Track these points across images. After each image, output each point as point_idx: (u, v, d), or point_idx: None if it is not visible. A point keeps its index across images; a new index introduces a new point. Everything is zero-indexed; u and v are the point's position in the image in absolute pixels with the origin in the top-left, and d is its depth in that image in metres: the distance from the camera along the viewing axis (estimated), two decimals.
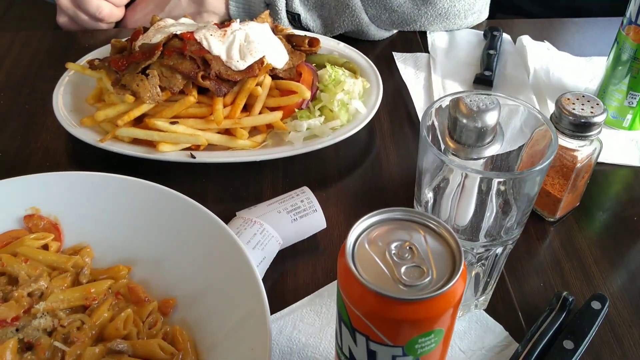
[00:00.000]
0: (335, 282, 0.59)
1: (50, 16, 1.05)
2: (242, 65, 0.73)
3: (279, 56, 0.77)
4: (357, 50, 0.86)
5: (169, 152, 0.70)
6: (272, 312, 0.49)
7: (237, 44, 0.74)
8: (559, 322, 0.54)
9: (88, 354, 0.49)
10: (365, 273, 0.35)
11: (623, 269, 0.61)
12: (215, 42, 0.73)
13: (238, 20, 0.78)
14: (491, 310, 0.57)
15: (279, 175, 0.72)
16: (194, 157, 0.69)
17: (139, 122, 0.71)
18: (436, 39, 0.96)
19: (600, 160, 0.65)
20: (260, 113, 0.73)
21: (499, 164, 0.53)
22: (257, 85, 0.73)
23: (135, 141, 0.71)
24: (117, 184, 0.61)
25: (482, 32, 0.98)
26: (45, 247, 0.58)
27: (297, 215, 0.61)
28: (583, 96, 0.60)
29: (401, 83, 0.88)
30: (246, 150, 0.71)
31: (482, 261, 0.52)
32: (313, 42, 0.84)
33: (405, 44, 0.96)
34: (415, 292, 0.35)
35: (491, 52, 0.90)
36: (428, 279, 0.35)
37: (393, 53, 0.93)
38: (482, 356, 0.53)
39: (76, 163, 0.74)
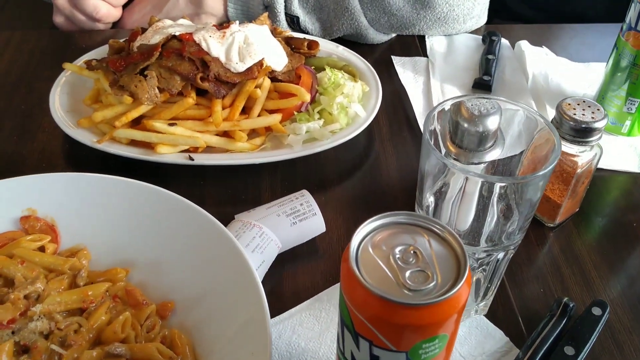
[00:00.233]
0: (334, 286, 0.59)
1: (46, 16, 1.04)
2: (241, 67, 0.72)
3: (278, 58, 0.76)
4: (356, 54, 0.86)
5: (167, 154, 0.69)
6: (271, 317, 0.49)
7: (237, 45, 0.73)
8: (559, 328, 0.54)
9: (85, 357, 0.48)
10: (369, 277, 0.35)
11: (623, 275, 0.61)
12: (214, 44, 0.72)
13: (237, 21, 0.77)
14: (491, 315, 0.57)
15: (278, 179, 0.71)
16: (192, 160, 0.69)
17: (136, 123, 0.71)
18: (435, 43, 0.96)
19: (599, 166, 0.65)
20: (259, 115, 0.73)
21: (500, 169, 0.53)
22: (256, 87, 0.73)
23: (133, 143, 0.70)
24: (115, 185, 0.60)
25: (481, 37, 0.98)
26: (42, 249, 0.58)
27: (297, 219, 0.60)
28: (584, 101, 0.60)
29: (400, 87, 0.87)
30: (245, 153, 0.71)
31: (484, 266, 0.52)
32: (312, 44, 0.83)
33: (404, 48, 0.96)
34: (420, 297, 0.34)
35: (490, 57, 0.90)
36: (433, 283, 0.35)
37: (392, 57, 0.93)
38: None
39: (73, 164, 0.74)
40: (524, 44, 0.95)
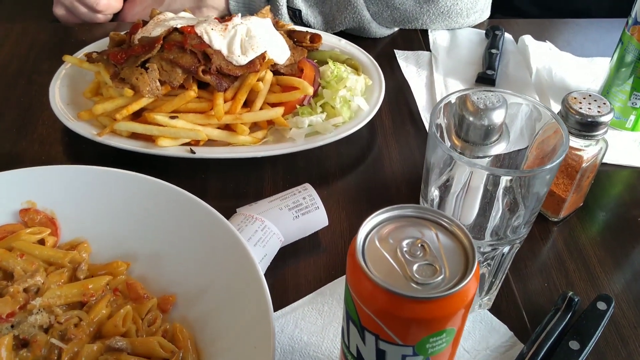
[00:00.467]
0: (337, 280, 0.58)
1: (46, 8, 1.03)
2: (243, 60, 0.72)
3: (280, 52, 0.76)
4: (359, 47, 0.85)
5: (168, 147, 0.68)
6: (273, 310, 0.48)
7: (239, 38, 0.73)
8: (564, 322, 0.53)
9: (86, 351, 0.47)
10: (376, 270, 0.35)
11: (627, 270, 0.61)
12: (216, 36, 0.72)
13: (239, 14, 0.77)
14: (495, 310, 0.56)
15: (280, 172, 0.71)
16: (194, 153, 0.68)
17: (137, 116, 0.70)
18: (438, 37, 0.96)
19: (603, 160, 0.64)
20: (261, 109, 0.72)
21: (505, 162, 0.52)
22: (258, 80, 0.72)
23: (134, 135, 0.70)
24: (115, 178, 0.59)
25: (484, 32, 0.97)
26: (42, 241, 0.57)
27: (299, 213, 0.60)
28: (590, 95, 0.60)
29: (403, 81, 0.87)
30: (247, 146, 0.70)
31: (488, 261, 0.51)
32: (315, 38, 0.83)
33: (407, 42, 0.95)
34: (428, 291, 0.34)
35: (493, 51, 0.89)
36: (440, 277, 0.34)
37: (395, 51, 0.93)
38: (487, 356, 0.53)
39: (73, 157, 0.73)
40: (527, 39, 0.94)
